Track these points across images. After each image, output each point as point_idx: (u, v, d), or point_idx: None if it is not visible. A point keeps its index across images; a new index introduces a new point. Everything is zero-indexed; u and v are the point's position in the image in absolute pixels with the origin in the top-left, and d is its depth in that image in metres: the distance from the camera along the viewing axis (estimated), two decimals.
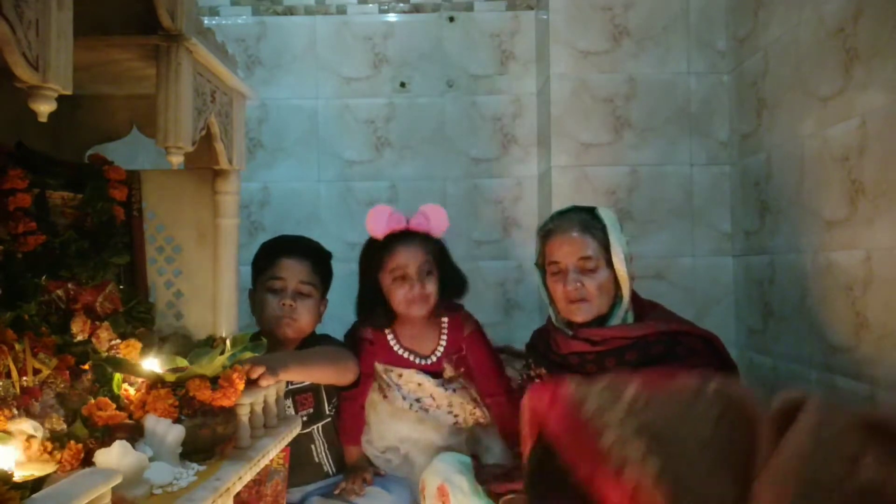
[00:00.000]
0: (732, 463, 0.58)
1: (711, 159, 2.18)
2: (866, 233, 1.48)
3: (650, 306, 1.63)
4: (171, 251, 1.51)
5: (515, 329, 2.28)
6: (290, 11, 2.36)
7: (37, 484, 0.81)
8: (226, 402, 1.17)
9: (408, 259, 1.76)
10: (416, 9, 2.38)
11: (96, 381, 1.17)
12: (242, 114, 1.55)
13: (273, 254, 1.80)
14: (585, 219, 1.60)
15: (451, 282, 1.85)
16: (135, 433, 1.07)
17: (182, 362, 1.21)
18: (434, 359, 1.86)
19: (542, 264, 1.65)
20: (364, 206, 2.21)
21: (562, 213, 1.67)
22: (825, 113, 1.63)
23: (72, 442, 0.99)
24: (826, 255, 1.63)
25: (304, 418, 1.73)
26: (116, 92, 1.57)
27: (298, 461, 1.65)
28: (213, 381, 1.18)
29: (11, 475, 0.81)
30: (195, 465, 1.09)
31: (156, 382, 1.16)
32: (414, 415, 1.84)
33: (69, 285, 1.27)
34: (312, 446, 1.80)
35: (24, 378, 1.06)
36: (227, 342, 1.37)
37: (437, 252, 1.83)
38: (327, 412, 1.83)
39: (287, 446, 1.42)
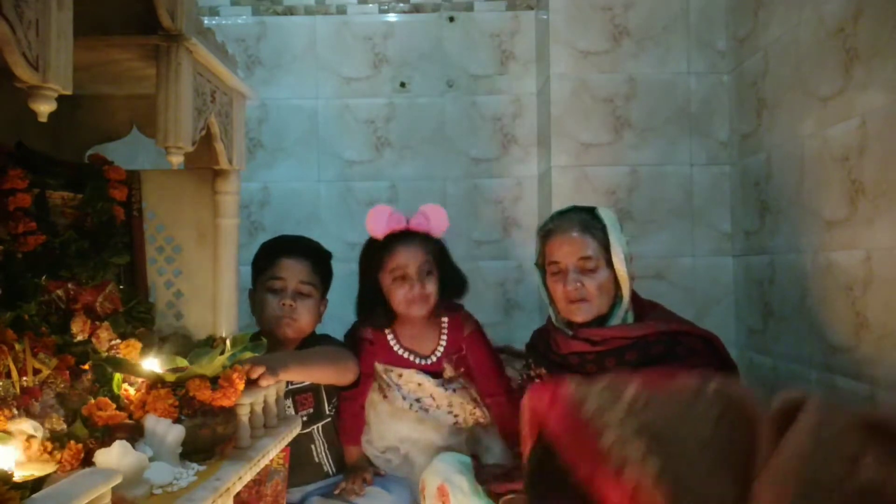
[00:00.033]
0: (732, 463, 0.58)
1: (711, 159, 2.18)
2: (866, 233, 1.48)
3: (650, 306, 1.63)
4: (171, 251, 1.51)
5: (515, 329, 2.28)
6: (290, 11, 2.36)
7: (37, 484, 0.81)
8: (226, 402, 1.17)
9: (408, 259, 1.76)
10: (416, 9, 2.38)
11: (96, 381, 1.17)
12: (242, 114, 1.55)
13: (273, 254, 1.80)
14: (585, 219, 1.60)
15: (451, 282, 1.85)
16: (135, 433, 1.07)
17: (182, 362, 1.21)
18: (434, 359, 1.86)
19: (542, 264, 1.65)
20: (364, 206, 2.21)
21: (562, 214, 1.67)
22: (825, 113, 1.63)
23: (72, 442, 0.99)
24: (826, 255, 1.63)
25: (304, 418, 1.73)
26: (116, 92, 1.57)
27: (298, 461, 1.65)
28: (213, 381, 1.17)
29: (11, 475, 0.81)
30: (195, 465, 1.09)
31: (156, 382, 1.16)
32: (414, 415, 1.84)
33: (69, 285, 1.27)
34: (312, 446, 1.80)
35: (24, 378, 1.06)
36: (227, 342, 1.37)
37: (437, 252, 1.82)
38: (327, 412, 1.82)
39: (287, 446, 1.42)
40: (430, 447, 1.81)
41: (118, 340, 1.24)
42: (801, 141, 1.73)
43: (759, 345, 1.99)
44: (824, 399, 0.60)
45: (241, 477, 1.12)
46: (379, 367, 1.86)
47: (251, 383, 1.29)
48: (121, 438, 0.99)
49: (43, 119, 0.83)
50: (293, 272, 1.76)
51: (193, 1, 1.22)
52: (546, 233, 1.64)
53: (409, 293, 1.76)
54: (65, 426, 1.03)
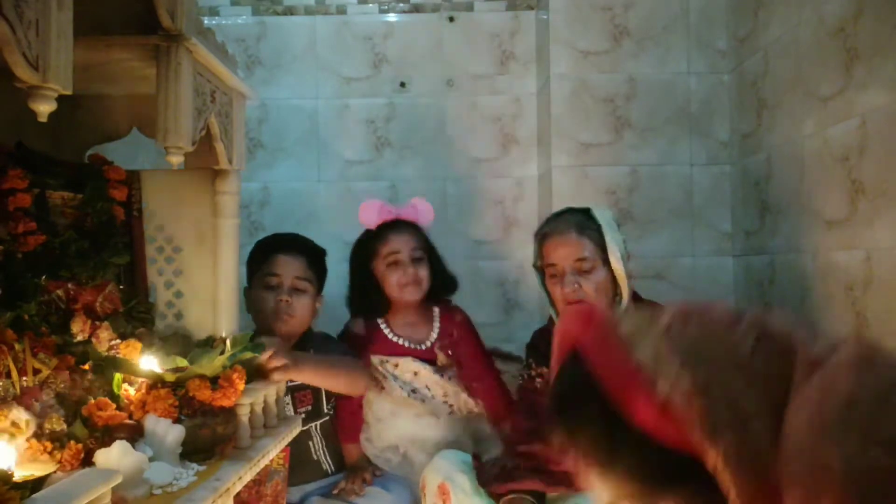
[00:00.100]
0: (766, 388, 0.57)
1: (711, 159, 2.18)
2: (866, 233, 1.48)
3: (651, 306, 1.63)
4: (171, 251, 1.51)
5: (515, 329, 2.28)
6: (290, 11, 2.36)
7: (37, 484, 0.81)
8: (226, 402, 1.17)
9: (400, 245, 1.86)
10: (416, 9, 2.38)
11: (96, 381, 1.17)
12: (242, 114, 1.55)
13: (268, 251, 1.82)
14: (580, 220, 1.61)
15: (439, 276, 1.92)
16: (135, 433, 1.07)
17: (182, 362, 1.21)
18: (428, 344, 1.91)
19: (541, 266, 1.66)
20: None
21: (557, 216, 1.68)
22: (825, 113, 1.62)
23: (72, 442, 0.99)
24: (826, 255, 1.63)
25: (303, 415, 1.74)
26: (116, 92, 1.57)
27: (297, 458, 1.65)
28: (213, 381, 1.18)
29: (11, 475, 0.81)
30: (195, 465, 1.09)
31: (156, 382, 1.16)
32: (412, 412, 1.85)
33: (69, 285, 1.26)
34: (310, 443, 1.80)
35: (24, 378, 1.06)
36: (227, 342, 1.37)
37: (426, 242, 1.92)
38: (325, 410, 1.83)
39: (287, 446, 1.42)
40: (430, 446, 1.82)
41: (118, 340, 1.24)
42: (801, 141, 1.73)
43: None
44: (866, 339, 0.59)
45: (241, 477, 1.12)
46: (374, 359, 1.88)
47: (260, 374, 1.30)
48: (121, 438, 0.99)
49: (43, 119, 0.83)
50: (289, 269, 1.78)
51: (193, 1, 1.22)
52: (542, 235, 1.65)
53: (403, 277, 1.85)
54: (65, 426, 1.03)
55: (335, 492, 1.73)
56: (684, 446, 0.58)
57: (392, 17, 2.38)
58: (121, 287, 1.39)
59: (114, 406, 1.10)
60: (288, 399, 1.73)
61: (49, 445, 0.98)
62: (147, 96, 1.39)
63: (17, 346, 1.08)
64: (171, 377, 1.16)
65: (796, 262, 1.76)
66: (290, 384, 1.72)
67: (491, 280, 2.36)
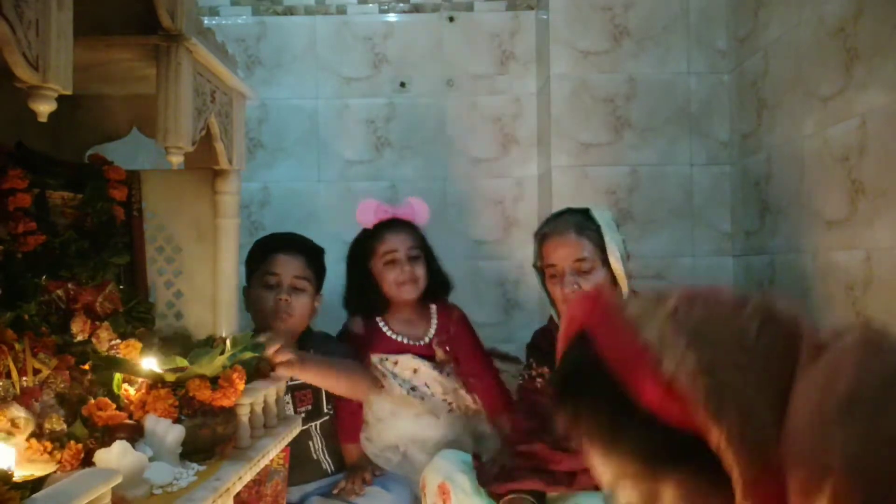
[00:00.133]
0: (771, 371, 0.57)
1: (711, 159, 2.18)
2: (866, 233, 1.48)
3: None
4: (171, 251, 1.51)
5: (515, 329, 2.28)
6: (290, 11, 2.36)
7: (37, 484, 0.81)
8: (226, 402, 1.17)
9: (397, 243, 1.88)
10: (416, 9, 2.38)
11: (96, 381, 1.17)
12: (242, 114, 1.55)
13: (267, 250, 1.82)
14: (579, 220, 1.62)
15: (435, 277, 1.94)
16: (135, 433, 1.07)
17: (182, 362, 1.21)
18: (426, 340, 1.92)
19: (541, 267, 1.66)
20: None
21: (556, 216, 1.68)
22: (825, 113, 1.62)
23: (72, 442, 0.99)
24: (826, 255, 1.63)
25: (303, 414, 1.74)
26: (116, 92, 1.57)
27: (297, 458, 1.65)
28: (213, 381, 1.17)
29: (11, 475, 0.81)
30: (195, 465, 1.09)
31: (156, 382, 1.16)
32: (412, 412, 1.85)
33: (69, 285, 1.26)
34: (310, 442, 1.80)
35: (24, 378, 1.06)
36: (227, 342, 1.37)
37: (422, 242, 1.94)
38: (325, 410, 1.83)
39: (287, 446, 1.42)
40: (430, 445, 1.82)
41: (118, 340, 1.24)
42: (801, 141, 1.73)
43: None
44: (873, 325, 0.59)
45: (241, 477, 1.12)
46: (374, 358, 1.89)
47: (263, 371, 1.32)
48: (121, 438, 0.98)
49: (43, 119, 0.83)
50: (288, 268, 1.78)
51: (193, 1, 1.22)
52: (542, 236, 1.65)
53: (400, 275, 1.86)
54: (65, 426, 1.03)
55: (335, 491, 1.73)
56: (688, 426, 0.58)
57: (392, 17, 2.38)
58: (121, 287, 1.39)
59: (114, 406, 1.10)
60: (288, 398, 1.73)
61: (49, 445, 0.98)
62: (147, 96, 1.39)
63: (17, 346, 1.08)
64: (171, 377, 1.16)
65: (796, 262, 1.76)
66: (290, 383, 1.72)
67: (491, 280, 2.36)
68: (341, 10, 2.37)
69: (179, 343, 1.39)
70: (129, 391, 1.18)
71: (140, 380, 1.19)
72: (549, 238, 1.62)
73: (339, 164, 2.37)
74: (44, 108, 0.82)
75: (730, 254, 2.16)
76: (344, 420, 1.85)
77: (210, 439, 1.14)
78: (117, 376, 1.19)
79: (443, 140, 2.37)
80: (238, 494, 1.16)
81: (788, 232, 1.81)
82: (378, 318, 1.92)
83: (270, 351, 1.44)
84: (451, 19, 2.37)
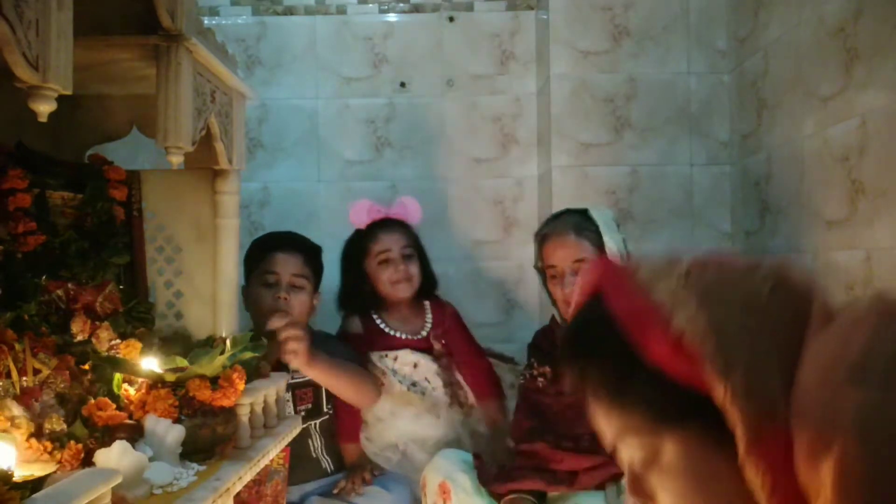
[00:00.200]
0: (780, 333, 0.58)
1: (711, 159, 2.18)
2: (866, 233, 1.48)
3: None
4: (171, 251, 1.51)
5: (515, 329, 2.28)
6: (290, 11, 2.36)
7: (37, 484, 0.80)
8: (226, 402, 1.16)
9: (390, 243, 1.90)
10: (416, 9, 2.37)
11: (96, 381, 1.17)
12: (242, 114, 1.55)
13: (265, 249, 1.83)
14: (578, 221, 1.62)
15: (425, 277, 1.96)
16: (135, 433, 1.07)
17: (182, 362, 1.21)
18: (424, 334, 1.94)
19: (542, 268, 1.67)
20: None
21: (556, 217, 1.69)
22: (825, 113, 1.62)
23: (72, 442, 0.99)
24: (826, 255, 1.63)
25: (303, 413, 1.74)
26: (116, 92, 1.57)
27: (296, 457, 1.65)
28: (213, 381, 1.17)
29: (11, 475, 0.81)
30: (195, 465, 1.09)
31: (156, 382, 1.16)
32: (412, 412, 1.85)
33: (69, 285, 1.26)
34: (310, 441, 1.81)
35: (24, 378, 1.06)
36: (227, 342, 1.37)
37: (415, 240, 1.96)
38: (325, 409, 1.83)
39: (287, 446, 1.42)
40: (430, 444, 1.82)
41: (118, 340, 1.24)
42: (801, 141, 1.73)
43: None
44: (888, 295, 0.59)
45: (241, 477, 1.12)
46: (374, 356, 1.89)
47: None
48: (121, 438, 0.98)
49: (43, 119, 0.83)
50: (286, 266, 1.79)
51: (193, 1, 1.22)
52: (542, 237, 1.66)
53: (395, 274, 1.88)
54: (65, 426, 1.03)
55: (335, 491, 1.73)
56: (695, 383, 0.58)
57: (392, 17, 2.38)
58: (121, 287, 1.39)
59: (114, 406, 1.10)
60: (288, 396, 1.73)
61: (49, 445, 0.98)
62: (147, 96, 1.39)
63: (17, 346, 1.08)
64: (171, 377, 1.16)
65: (796, 262, 1.76)
66: (291, 381, 1.72)
67: (491, 280, 2.35)
68: (341, 10, 2.37)
69: (179, 343, 1.39)
70: (129, 391, 1.18)
71: (140, 380, 1.19)
72: (549, 239, 1.63)
73: (339, 164, 2.37)
74: (44, 108, 0.82)
75: None
76: (343, 419, 1.85)
77: (210, 439, 1.14)
78: (117, 376, 1.19)
79: (443, 140, 2.37)
80: (238, 494, 1.16)
81: (788, 232, 1.81)
82: (375, 316, 1.94)
83: (279, 324, 1.46)
84: (451, 19, 2.37)
